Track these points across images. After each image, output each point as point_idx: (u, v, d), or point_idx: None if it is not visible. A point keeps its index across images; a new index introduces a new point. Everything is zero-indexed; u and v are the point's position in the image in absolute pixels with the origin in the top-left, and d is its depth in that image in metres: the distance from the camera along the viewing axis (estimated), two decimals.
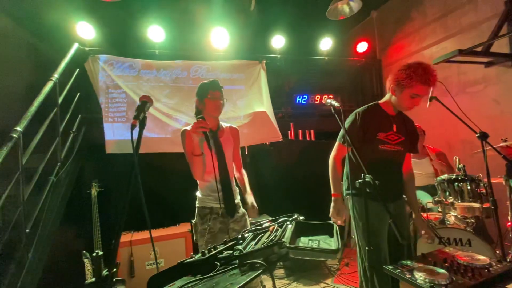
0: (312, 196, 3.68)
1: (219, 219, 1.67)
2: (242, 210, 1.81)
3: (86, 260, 2.16)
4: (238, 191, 1.84)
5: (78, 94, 3.17)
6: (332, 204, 1.69)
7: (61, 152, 2.59)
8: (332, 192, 1.72)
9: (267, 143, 3.78)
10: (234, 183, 1.80)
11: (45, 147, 2.41)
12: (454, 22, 3.32)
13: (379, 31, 4.63)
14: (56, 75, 2.55)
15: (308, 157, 3.97)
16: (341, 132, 1.69)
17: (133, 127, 0.93)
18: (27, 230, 1.96)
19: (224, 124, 1.85)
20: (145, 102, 1.03)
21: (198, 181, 1.77)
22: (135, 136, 0.95)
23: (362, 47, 4.48)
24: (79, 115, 3.17)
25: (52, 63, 2.71)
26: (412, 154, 1.86)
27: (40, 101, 2.25)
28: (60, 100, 2.62)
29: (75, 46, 3.09)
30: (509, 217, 2.18)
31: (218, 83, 1.74)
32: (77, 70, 3.13)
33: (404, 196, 1.81)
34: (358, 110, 1.69)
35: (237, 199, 1.79)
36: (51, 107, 2.52)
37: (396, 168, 1.75)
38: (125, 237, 2.71)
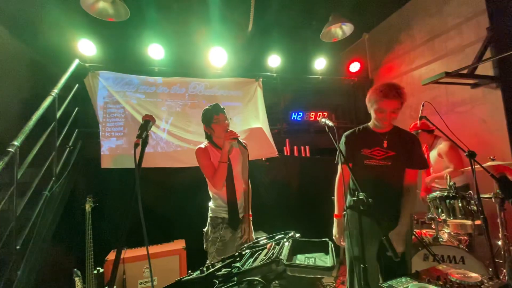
0: (308, 211, 3.69)
1: (229, 229, 1.79)
2: (251, 222, 1.90)
3: (77, 279, 2.10)
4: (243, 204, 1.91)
5: (76, 108, 3.20)
6: (334, 225, 1.78)
7: (56, 167, 2.58)
8: (335, 213, 1.79)
9: (263, 159, 3.82)
10: (241, 198, 1.88)
11: (40, 161, 2.40)
12: (440, 46, 3.51)
13: (370, 52, 4.84)
14: (55, 90, 2.59)
15: (304, 173, 4.01)
16: (337, 153, 1.75)
17: (136, 146, 0.96)
18: (18, 247, 1.92)
19: None
20: (148, 121, 1.07)
21: (211, 193, 1.89)
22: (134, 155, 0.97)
23: (354, 67, 4.66)
24: (76, 130, 3.18)
25: (53, 78, 2.76)
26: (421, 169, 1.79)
27: (39, 116, 2.27)
28: (58, 115, 2.65)
29: (76, 62, 3.16)
30: (500, 234, 2.22)
31: (219, 106, 1.86)
32: (77, 85, 3.18)
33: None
34: (346, 132, 1.83)
35: (245, 212, 1.87)
36: (49, 121, 2.53)
37: (390, 186, 1.70)
38: None
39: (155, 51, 3.60)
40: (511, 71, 2.84)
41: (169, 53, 3.70)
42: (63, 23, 3.36)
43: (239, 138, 1.88)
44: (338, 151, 1.70)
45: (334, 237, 1.77)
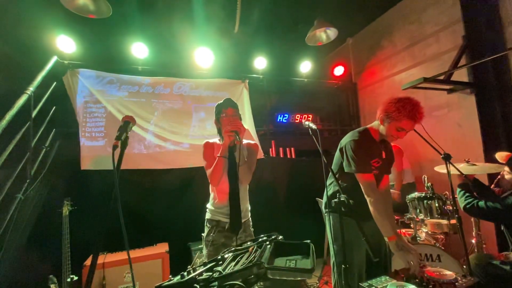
0: (293, 213, 3.72)
1: (224, 233, 1.70)
2: (250, 230, 1.84)
3: (52, 286, 2.00)
4: (249, 209, 1.88)
5: (54, 107, 3.06)
6: (395, 249, 1.44)
7: (31, 168, 2.46)
8: (389, 235, 1.46)
9: None
10: (244, 201, 1.80)
11: (14, 162, 2.28)
12: (420, 52, 3.65)
13: (354, 57, 4.97)
14: (31, 88, 2.46)
15: (289, 174, 4.04)
16: (354, 162, 1.62)
17: (114, 147, 0.93)
18: None
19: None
20: (128, 122, 1.03)
21: (211, 193, 1.81)
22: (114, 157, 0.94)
23: (338, 70, 4.76)
24: (54, 129, 3.05)
25: (29, 76, 2.62)
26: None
27: (12, 115, 2.15)
28: (34, 113, 2.52)
29: (54, 59, 3.02)
30: (473, 233, 2.34)
31: (230, 101, 1.80)
32: (54, 83, 3.04)
33: None
34: (355, 137, 1.67)
35: (245, 218, 1.80)
36: (23, 119, 2.41)
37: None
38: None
39: (139, 49, 3.51)
40: (485, 78, 2.99)
41: (153, 52, 3.62)
42: (40, 18, 3.20)
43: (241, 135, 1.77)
44: (354, 159, 1.60)
45: (410, 265, 1.37)
